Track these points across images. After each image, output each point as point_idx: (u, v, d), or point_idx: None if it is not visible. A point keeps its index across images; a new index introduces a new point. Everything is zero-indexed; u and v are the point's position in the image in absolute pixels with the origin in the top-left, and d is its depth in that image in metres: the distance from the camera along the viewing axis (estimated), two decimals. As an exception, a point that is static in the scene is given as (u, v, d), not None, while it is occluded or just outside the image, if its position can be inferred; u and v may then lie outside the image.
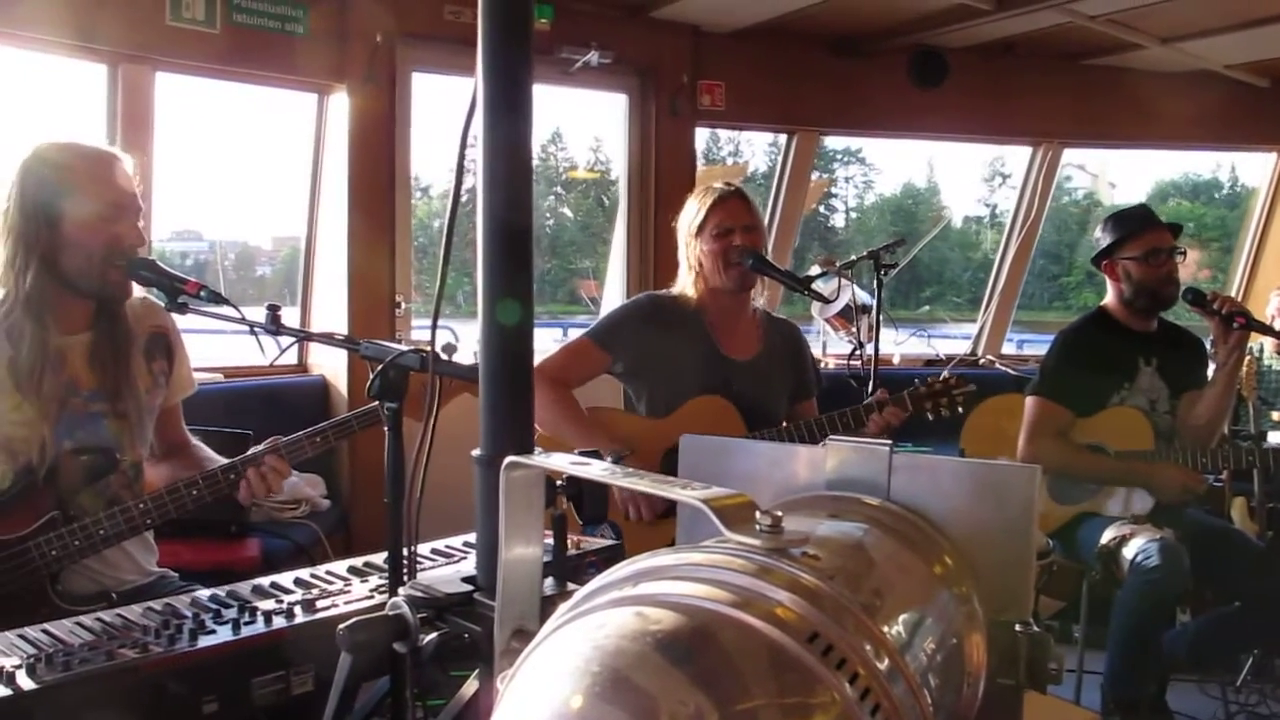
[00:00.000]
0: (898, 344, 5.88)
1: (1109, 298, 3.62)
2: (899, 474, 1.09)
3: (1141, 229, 3.51)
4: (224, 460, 2.35)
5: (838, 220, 13.84)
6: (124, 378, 2.32)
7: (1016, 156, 6.35)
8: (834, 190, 13.97)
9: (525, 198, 1.29)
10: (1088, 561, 3.43)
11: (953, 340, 6.57)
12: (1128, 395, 3.51)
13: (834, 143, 11.03)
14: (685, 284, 3.19)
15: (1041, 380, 3.55)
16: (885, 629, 0.78)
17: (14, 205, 2.18)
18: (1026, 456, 3.45)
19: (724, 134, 7.22)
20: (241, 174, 5.62)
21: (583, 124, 6.06)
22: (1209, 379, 3.51)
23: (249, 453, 2.31)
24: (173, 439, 2.56)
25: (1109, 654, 3.25)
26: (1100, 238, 3.63)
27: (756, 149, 7.56)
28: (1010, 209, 6.34)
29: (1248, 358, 5.22)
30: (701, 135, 5.87)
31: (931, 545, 1.04)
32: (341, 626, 1.17)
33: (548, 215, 7.89)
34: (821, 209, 13.91)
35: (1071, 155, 6.43)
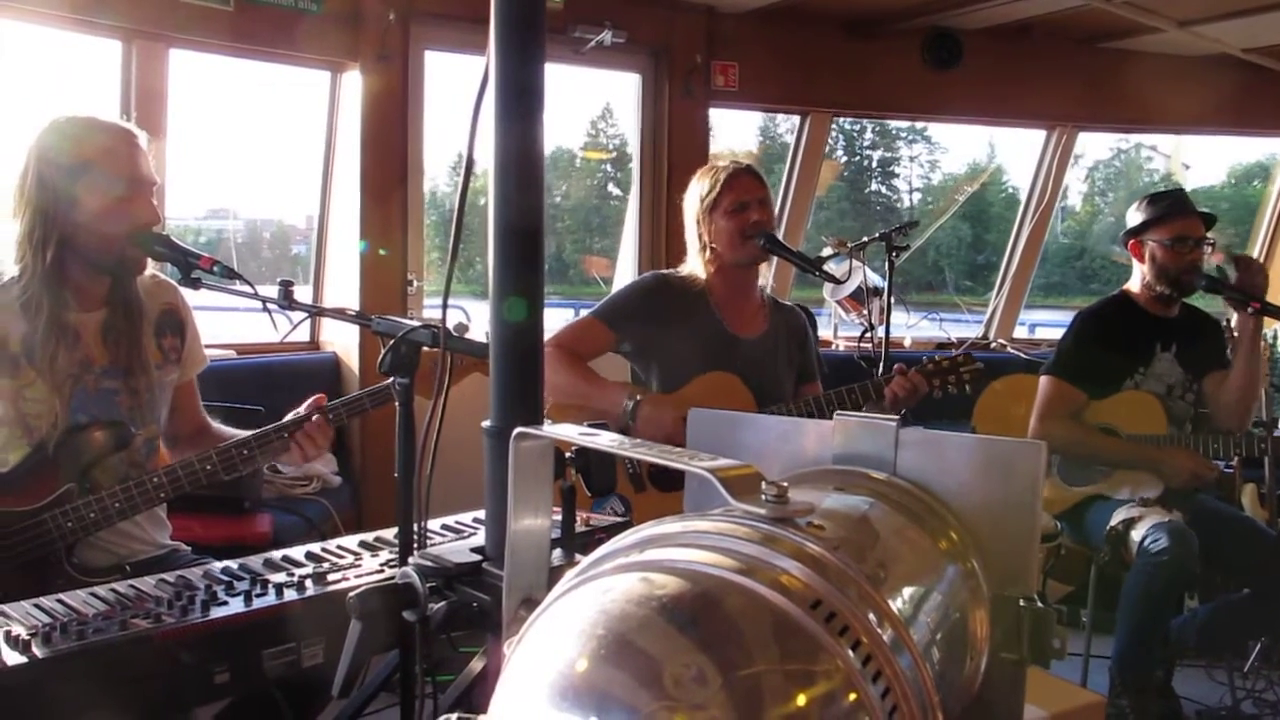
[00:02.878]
0: (909, 327, 5.88)
1: (1133, 280, 3.61)
2: (906, 449, 1.10)
3: (1173, 214, 3.50)
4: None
5: (902, 200, 13.74)
6: (136, 355, 2.33)
7: (1086, 137, 6.19)
8: (896, 170, 13.88)
9: (537, 191, 1.30)
10: (1095, 545, 3.43)
11: (964, 324, 6.55)
12: (1142, 380, 3.50)
13: (898, 121, 10.84)
14: (694, 263, 3.19)
15: (1057, 360, 3.55)
16: (890, 600, 0.79)
17: (32, 180, 2.18)
18: (1037, 435, 3.45)
19: (780, 116, 7.09)
20: (272, 152, 5.62)
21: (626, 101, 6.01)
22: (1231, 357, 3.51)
23: (258, 430, 2.33)
24: (193, 420, 2.57)
25: (1117, 636, 3.25)
26: (1131, 217, 3.62)
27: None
28: (1085, 190, 6.25)
29: (1261, 343, 5.20)
30: (756, 118, 5.82)
31: (937, 520, 1.04)
32: (351, 594, 1.18)
33: (596, 195, 7.78)
34: (884, 189, 13.84)
35: (1141, 137, 6.24)
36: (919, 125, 11.32)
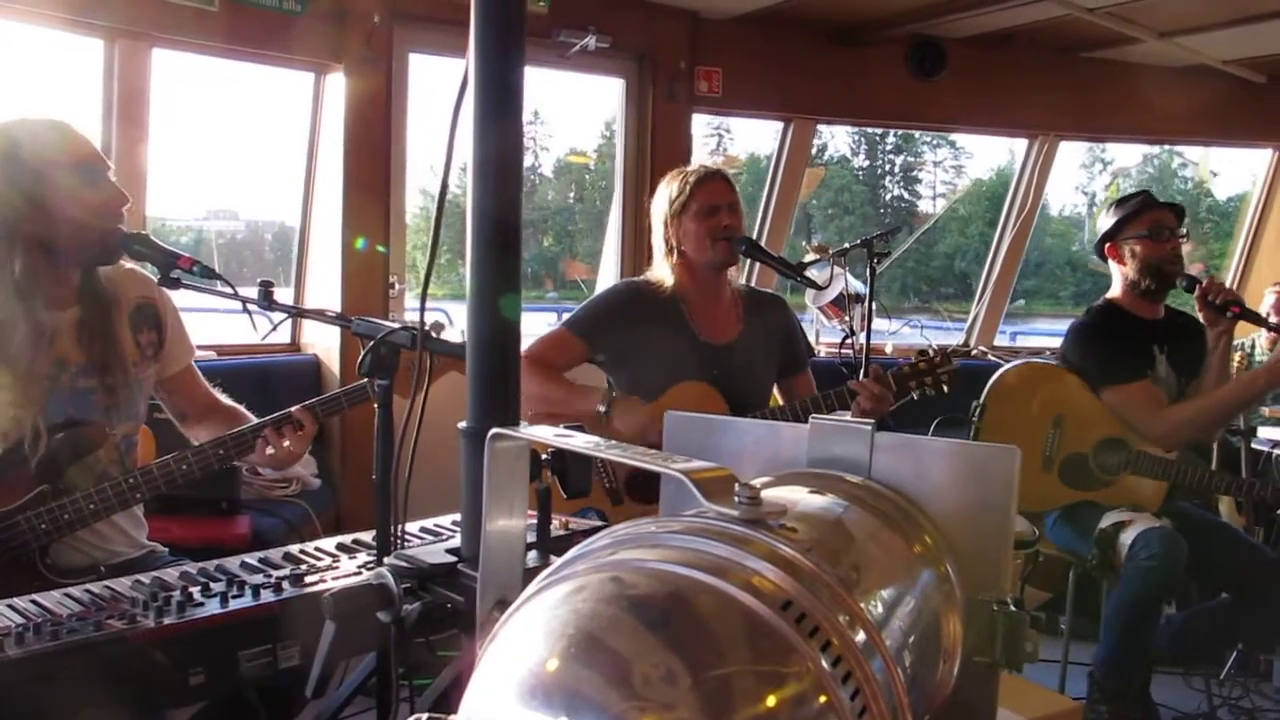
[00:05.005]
0: (891, 333, 5.88)
1: (1115, 289, 3.59)
2: (881, 453, 1.10)
3: (1145, 208, 3.52)
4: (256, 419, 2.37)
5: (925, 205, 13.67)
6: (111, 351, 2.30)
7: (1115, 147, 6.20)
8: (919, 175, 13.84)
9: (515, 190, 1.31)
10: (1080, 549, 3.41)
11: (946, 331, 6.57)
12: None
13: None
14: (662, 268, 3.18)
15: (1103, 371, 3.47)
16: (862, 603, 0.79)
17: None
18: (1160, 435, 3.37)
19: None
20: (273, 154, 5.58)
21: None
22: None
23: (237, 430, 2.32)
24: (200, 402, 2.54)
25: (1102, 641, 3.24)
26: (1103, 223, 3.63)
27: (838, 142, 7.45)
28: (1111, 197, 6.24)
29: (1239, 353, 5.24)
30: (773, 127, 5.82)
31: (912, 524, 1.04)
32: (326, 594, 1.18)
33: (609, 197, 7.85)
34: (905, 193, 13.76)
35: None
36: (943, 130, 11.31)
